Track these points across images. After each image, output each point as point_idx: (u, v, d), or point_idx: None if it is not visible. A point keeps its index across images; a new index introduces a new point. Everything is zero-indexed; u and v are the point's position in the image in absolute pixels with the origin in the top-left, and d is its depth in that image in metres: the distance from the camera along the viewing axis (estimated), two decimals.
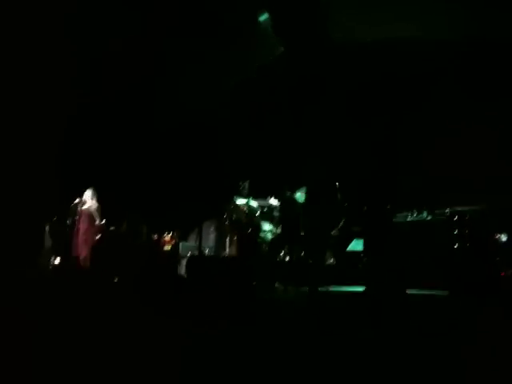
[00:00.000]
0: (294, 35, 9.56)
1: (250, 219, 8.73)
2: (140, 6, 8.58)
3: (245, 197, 8.93)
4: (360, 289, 6.74)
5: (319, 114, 9.51)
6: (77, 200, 8.91)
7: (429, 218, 7.57)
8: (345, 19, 9.26)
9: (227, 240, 8.81)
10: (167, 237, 9.74)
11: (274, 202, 8.97)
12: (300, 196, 8.11)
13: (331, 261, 8.33)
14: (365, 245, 7.85)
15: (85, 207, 8.95)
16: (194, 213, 9.05)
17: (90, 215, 8.96)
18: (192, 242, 9.51)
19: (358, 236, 8.13)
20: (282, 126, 10.04)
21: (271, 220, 8.82)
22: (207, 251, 9.14)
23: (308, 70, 9.74)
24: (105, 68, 8.80)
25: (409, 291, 6.09)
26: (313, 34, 9.46)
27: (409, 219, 7.74)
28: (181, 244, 9.50)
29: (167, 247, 9.63)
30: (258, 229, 8.64)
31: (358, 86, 9.29)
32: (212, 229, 9.34)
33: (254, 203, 8.88)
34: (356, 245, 8.14)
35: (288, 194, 8.54)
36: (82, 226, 8.88)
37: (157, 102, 10.03)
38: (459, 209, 7.50)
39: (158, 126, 10.20)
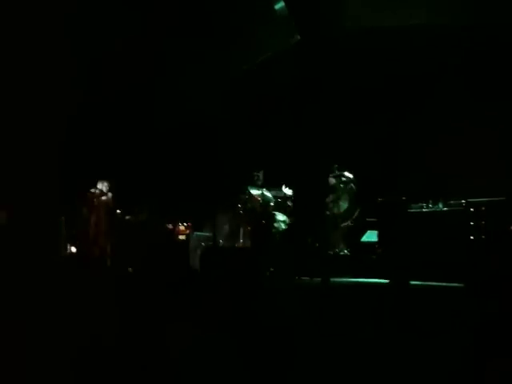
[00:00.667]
0: (309, 21, 9.47)
1: (265, 209, 8.73)
2: (140, 5, 8.55)
3: (259, 187, 8.92)
4: (375, 280, 6.74)
5: (329, 106, 9.46)
6: (92, 190, 9.02)
7: (444, 208, 7.46)
8: (353, 5, 9.15)
9: (241, 230, 8.83)
10: (182, 226, 9.80)
11: (288, 192, 8.94)
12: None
13: (345, 252, 8.32)
14: (379, 236, 7.83)
15: (102, 198, 9.05)
16: (208, 203, 9.09)
17: (108, 206, 9.07)
18: (206, 231, 9.56)
19: (373, 227, 8.09)
20: (294, 117, 9.99)
21: (285, 210, 8.81)
22: (221, 241, 9.18)
23: (319, 59, 9.65)
24: (105, 67, 8.84)
25: (422, 283, 6.07)
26: (327, 20, 9.37)
27: (424, 210, 7.64)
28: (195, 234, 9.57)
29: (182, 237, 9.70)
30: (273, 219, 8.64)
31: (368, 76, 9.19)
32: (226, 219, 9.36)
33: (268, 193, 8.87)
34: (370, 236, 8.10)
35: (302, 184, 8.51)
36: (100, 216, 8.98)
37: (160, 97, 10.04)
38: (476, 200, 7.38)
39: (171, 120, 10.23)
